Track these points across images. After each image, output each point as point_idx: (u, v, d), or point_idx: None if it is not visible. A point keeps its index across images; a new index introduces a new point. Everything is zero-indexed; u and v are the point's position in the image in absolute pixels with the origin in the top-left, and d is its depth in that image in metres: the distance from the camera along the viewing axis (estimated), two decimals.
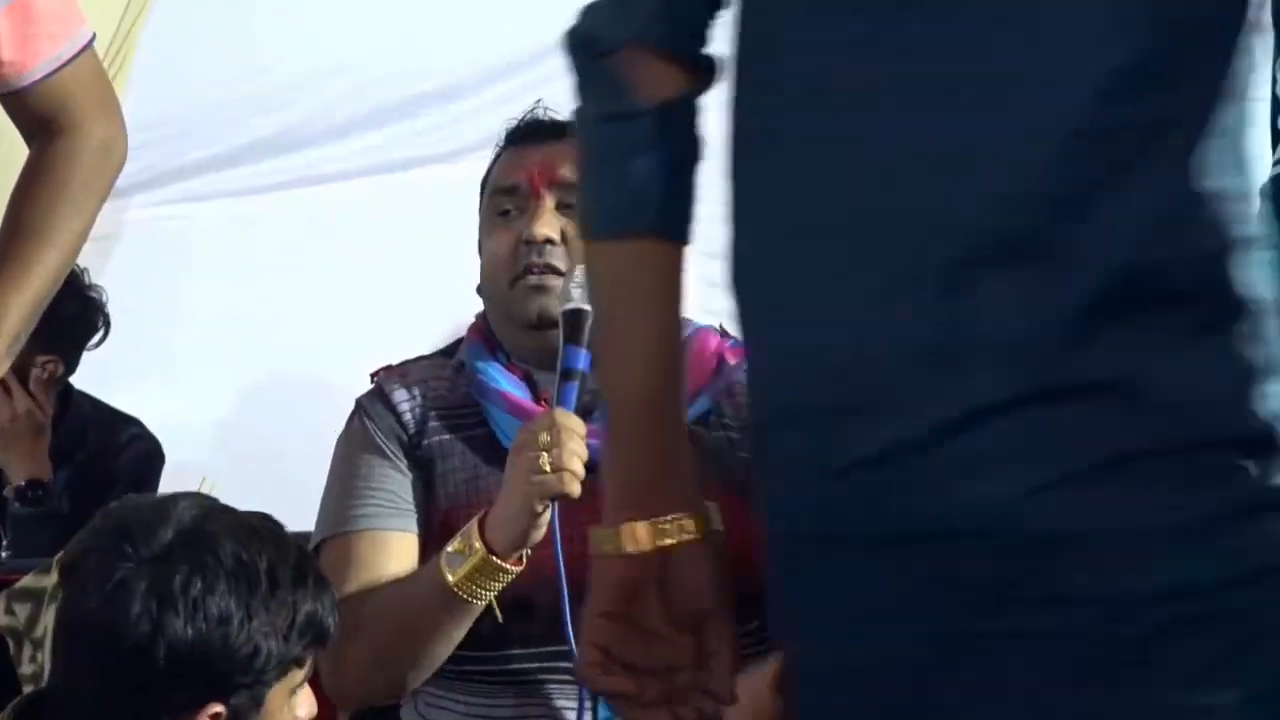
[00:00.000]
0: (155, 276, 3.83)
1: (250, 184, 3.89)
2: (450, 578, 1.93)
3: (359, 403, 2.18)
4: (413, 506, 2.09)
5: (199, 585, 1.63)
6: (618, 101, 1.39)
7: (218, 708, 1.65)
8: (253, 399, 3.92)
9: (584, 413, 1.96)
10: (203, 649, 1.62)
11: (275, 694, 1.69)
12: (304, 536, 2.18)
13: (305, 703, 1.77)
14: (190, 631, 1.61)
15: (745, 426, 2.07)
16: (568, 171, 2.10)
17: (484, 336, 2.17)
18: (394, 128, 3.84)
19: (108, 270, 3.43)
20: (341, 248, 3.88)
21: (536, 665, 2.03)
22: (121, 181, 3.74)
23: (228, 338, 3.91)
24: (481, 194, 2.21)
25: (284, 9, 3.82)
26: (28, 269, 2.04)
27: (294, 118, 3.84)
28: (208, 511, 1.72)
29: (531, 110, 2.21)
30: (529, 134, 2.18)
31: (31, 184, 2.09)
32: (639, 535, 1.35)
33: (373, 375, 2.20)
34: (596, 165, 1.42)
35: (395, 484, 2.10)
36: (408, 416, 2.12)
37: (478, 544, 1.92)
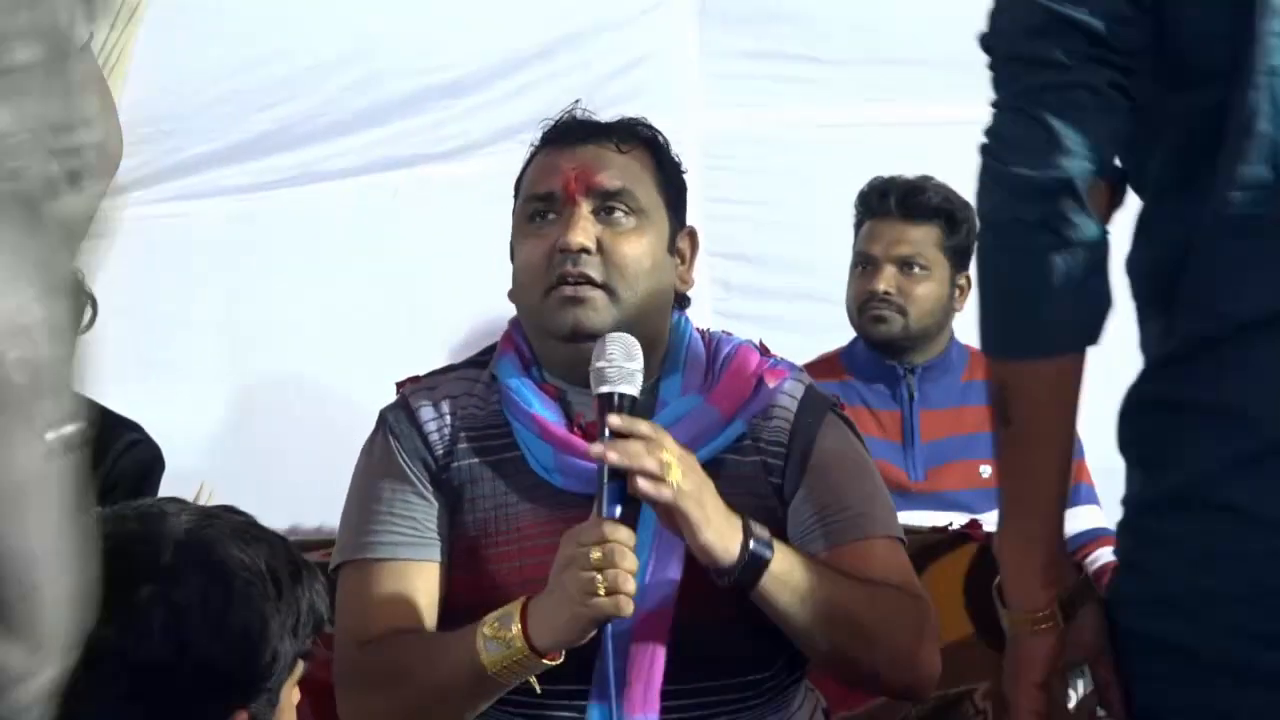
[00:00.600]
0: (152, 275, 3.78)
1: (250, 181, 3.83)
2: (486, 662, 1.87)
3: (384, 416, 2.11)
4: (436, 536, 2.03)
5: (217, 599, 1.61)
6: (1077, 229, 1.50)
7: (243, 716, 1.63)
8: (251, 401, 3.87)
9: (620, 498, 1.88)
10: (227, 662, 1.61)
11: (286, 688, 1.68)
12: (302, 540, 2.13)
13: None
14: (217, 648, 1.60)
15: (777, 451, 2.01)
16: (605, 178, 2.04)
17: (516, 349, 2.10)
18: (398, 124, 3.78)
19: (103, 268, 3.37)
20: (343, 247, 3.84)
21: (556, 703, 1.98)
22: (119, 178, 3.74)
23: (226, 338, 3.87)
24: (515, 196, 2.14)
25: (284, 1, 3.76)
26: None
27: (294, 113, 3.79)
28: (199, 518, 1.68)
29: (569, 110, 2.14)
30: (564, 136, 2.11)
31: None
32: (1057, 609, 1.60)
33: (399, 386, 2.14)
34: (1046, 285, 1.51)
35: (419, 511, 2.04)
36: (435, 437, 2.06)
37: (519, 641, 1.86)
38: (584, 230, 2.02)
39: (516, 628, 1.85)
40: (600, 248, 2.02)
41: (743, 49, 3.84)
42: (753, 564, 1.86)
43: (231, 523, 1.69)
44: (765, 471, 2.02)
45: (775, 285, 3.76)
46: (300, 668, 1.70)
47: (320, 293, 3.79)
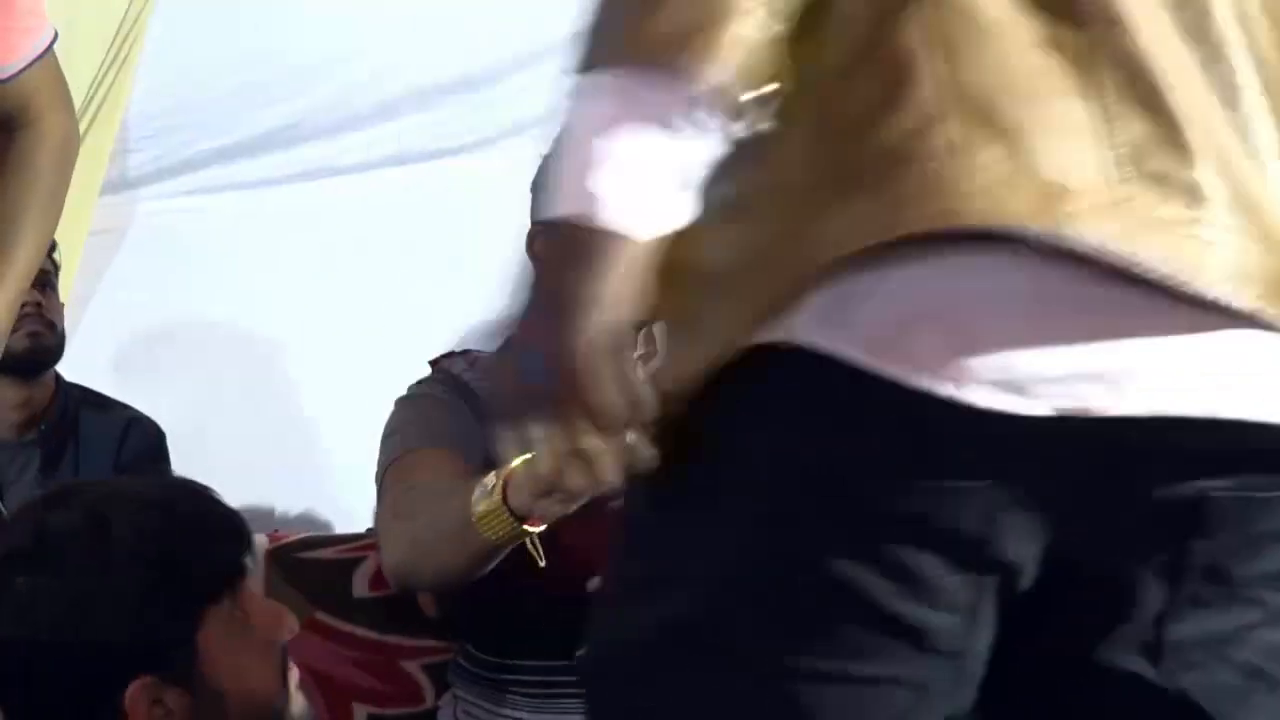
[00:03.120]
0: (164, 271, 3.78)
1: (262, 176, 3.82)
2: (473, 510, 1.90)
3: (421, 381, 2.16)
4: (483, 453, 2.03)
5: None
6: None
7: (145, 680, 1.64)
8: (263, 396, 3.86)
9: None
10: (92, 636, 1.62)
11: (207, 635, 1.66)
12: (310, 537, 2.14)
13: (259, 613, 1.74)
14: (69, 624, 1.62)
15: None
16: None
17: None
18: (411, 118, 3.77)
19: (115, 264, 3.38)
20: (356, 242, 3.82)
21: (566, 677, 1.99)
22: (130, 173, 3.75)
23: (238, 333, 3.85)
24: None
25: None
26: (10, 266, 2.05)
27: (306, 108, 3.78)
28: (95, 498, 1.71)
29: None
30: None
31: (0, 181, 2.09)
32: None
33: (433, 362, 2.18)
34: None
35: (466, 424, 2.07)
36: (473, 388, 2.10)
37: (498, 494, 1.88)
38: None
39: (499, 479, 1.88)
40: None
41: None
42: None
43: (128, 492, 1.71)
44: None
45: None
46: (225, 606, 1.67)
47: (332, 287, 3.78)
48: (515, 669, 2.01)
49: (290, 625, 1.75)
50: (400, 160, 3.78)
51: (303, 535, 2.29)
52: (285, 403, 3.84)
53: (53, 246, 3.26)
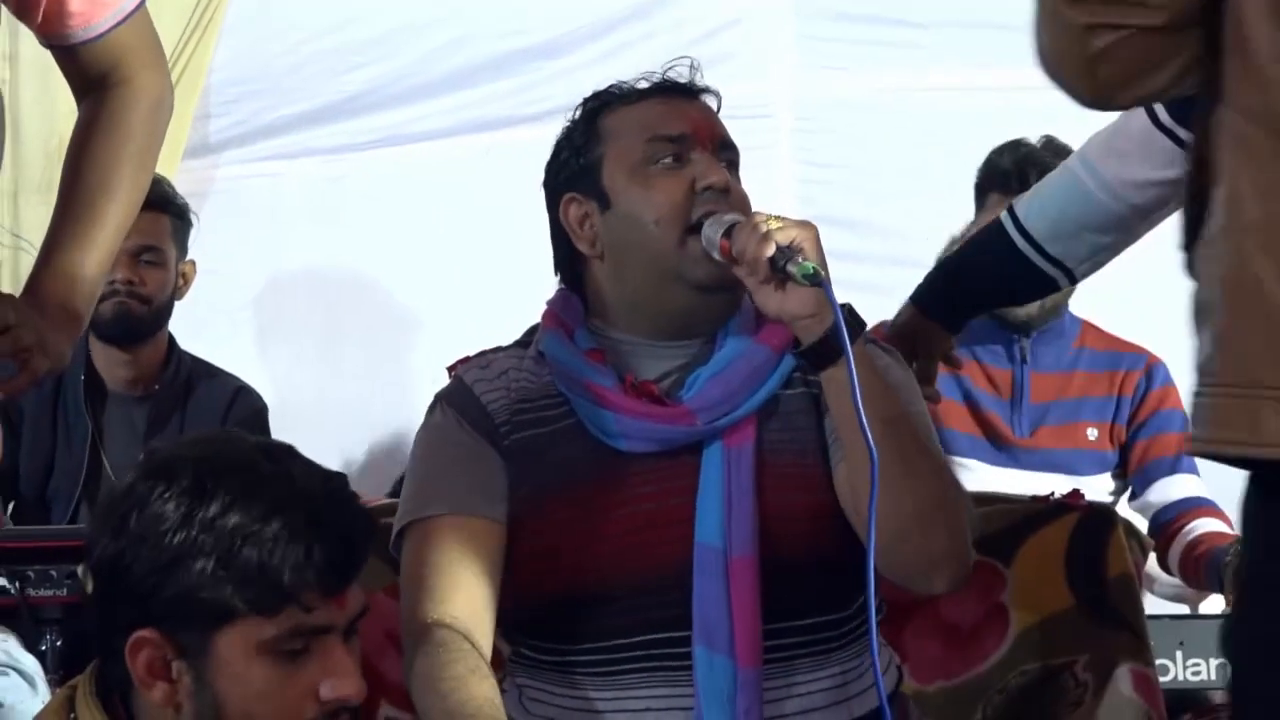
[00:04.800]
0: (244, 235, 3.81)
1: (339, 142, 3.84)
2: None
3: (439, 397, 2.10)
4: (503, 495, 2.02)
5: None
6: None
7: (147, 632, 1.61)
8: (341, 361, 3.88)
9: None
10: (137, 568, 1.60)
11: (225, 643, 1.61)
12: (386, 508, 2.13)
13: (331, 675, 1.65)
14: (131, 553, 1.61)
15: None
16: (724, 131, 2.08)
17: (560, 323, 2.08)
18: (489, 85, 3.77)
19: (196, 228, 3.40)
20: (432, 208, 3.83)
21: (630, 654, 1.99)
22: (211, 138, 3.78)
23: (317, 299, 3.88)
24: (595, 145, 2.09)
25: None
26: (101, 227, 2.05)
27: (386, 74, 3.79)
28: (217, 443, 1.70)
29: (672, 65, 2.11)
30: (680, 88, 2.10)
31: (93, 139, 2.09)
32: None
33: (450, 369, 2.13)
34: None
35: (483, 470, 2.03)
36: (494, 408, 2.05)
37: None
38: (722, 172, 2.02)
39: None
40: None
41: (837, 11, 3.79)
42: (851, 322, 1.88)
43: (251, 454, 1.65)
44: (814, 403, 2.01)
45: (866, 250, 3.71)
46: (244, 630, 1.61)
47: (410, 253, 3.80)
48: (579, 651, 2.00)
49: (350, 691, 1.65)
50: (478, 127, 3.79)
51: (387, 500, 2.27)
52: (364, 367, 3.86)
53: (186, 207, 3.34)
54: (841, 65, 3.81)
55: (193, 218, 3.37)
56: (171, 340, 3.39)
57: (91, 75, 2.08)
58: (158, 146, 2.14)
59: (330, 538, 1.63)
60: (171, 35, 3.50)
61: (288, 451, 1.69)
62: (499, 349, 2.14)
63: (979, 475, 3.09)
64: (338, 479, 1.69)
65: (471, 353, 2.13)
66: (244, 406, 3.37)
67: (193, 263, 3.39)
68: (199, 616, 1.60)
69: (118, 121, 2.07)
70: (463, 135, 3.79)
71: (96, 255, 2.04)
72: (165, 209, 3.27)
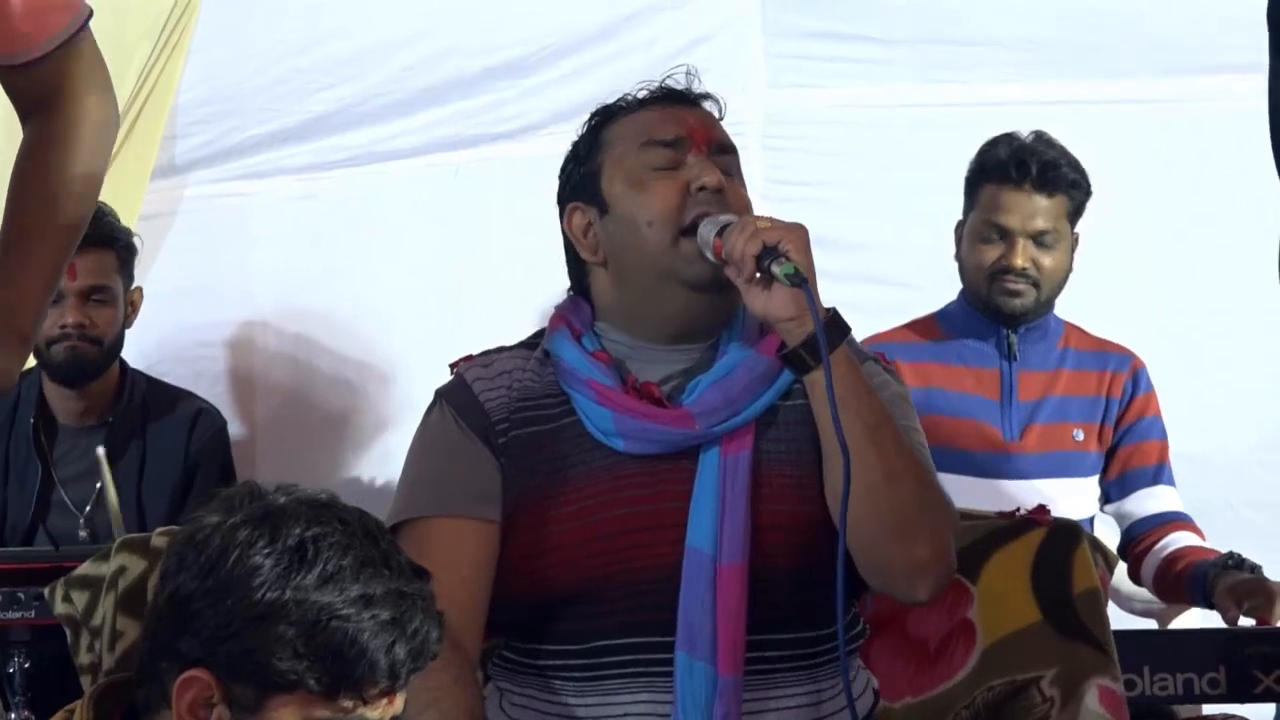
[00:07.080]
0: (213, 255, 3.80)
1: (310, 161, 3.84)
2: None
3: (439, 393, 2.12)
4: (497, 495, 2.04)
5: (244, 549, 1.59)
6: None
7: (198, 671, 1.57)
8: (311, 380, 3.87)
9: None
10: (201, 604, 1.58)
11: (281, 705, 1.58)
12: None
13: None
14: (200, 587, 1.58)
15: None
16: (722, 135, 2.11)
17: (567, 323, 2.11)
18: (460, 103, 3.77)
19: (164, 248, 3.40)
20: (404, 227, 3.83)
21: (613, 659, 2.00)
22: (180, 158, 3.78)
23: (287, 318, 3.86)
24: (594, 154, 2.12)
25: None
26: (47, 249, 2.03)
27: (356, 93, 3.79)
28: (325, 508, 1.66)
29: (671, 74, 2.14)
30: (678, 95, 2.13)
31: (37, 162, 2.05)
32: None
33: (452, 366, 2.15)
34: None
35: (479, 470, 2.04)
36: (492, 406, 2.07)
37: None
38: (716, 173, 2.04)
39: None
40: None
41: (805, 29, 3.81)
42: (835, 324, 1.93)
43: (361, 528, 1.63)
44: (811, 415, 2.02)
45: (836, 266, 3.71)
46: (300, 702, 1.58)
47: (381, 272, 3.80)
48: (562, 655, 2.01)
49: None
50: (447, 146, 3.78)
51: None
52: (331, 385, 3.86)
53: (130, 236, 3.31)
54: (810, 82, 3.83)
55: (136, 242, 3.35)
56: (124, 366, 3.38)
57: (36, 95, 2.05)
58: (103, 168, 2.10)
59: (411, 640, 1.61)
60: (139, 55, 3.50)
61: (382, 531, 1.66)
62: (503, 348, 2.16)
63: (965, 489, 3.07)
64: (426, 577, 1.65)
65: (475, 352, 2.15)
66: (205, 428, 3.37)
67: (139, 289, 3.38)
68: (263, 677, 1.57)
69: (61, 143, 2.04)
70: (433, 154, 3.78)
71: (43, 276, 2.03)
72: (111, 245, 3.26)
